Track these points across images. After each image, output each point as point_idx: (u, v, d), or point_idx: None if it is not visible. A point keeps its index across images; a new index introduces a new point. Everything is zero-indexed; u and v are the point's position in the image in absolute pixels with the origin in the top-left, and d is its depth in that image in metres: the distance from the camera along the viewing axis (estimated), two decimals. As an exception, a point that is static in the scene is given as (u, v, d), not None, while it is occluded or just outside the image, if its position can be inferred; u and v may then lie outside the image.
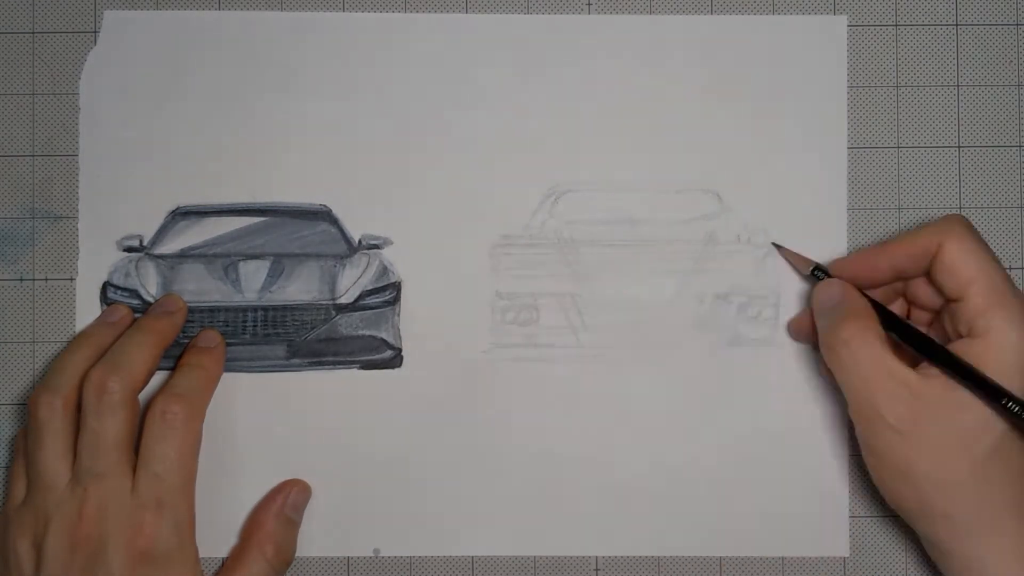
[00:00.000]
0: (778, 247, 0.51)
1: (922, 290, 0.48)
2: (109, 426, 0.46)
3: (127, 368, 0.47)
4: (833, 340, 0.46)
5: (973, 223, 0.46)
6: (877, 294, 0.48)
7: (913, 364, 0.45)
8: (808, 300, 0.50)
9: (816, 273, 0.49)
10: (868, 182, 0.52)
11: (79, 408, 0.47)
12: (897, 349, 0.46)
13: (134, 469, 0.47)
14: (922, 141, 0.52)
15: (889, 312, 0.47)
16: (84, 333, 0.50)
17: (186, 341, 0.51)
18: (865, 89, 0.52)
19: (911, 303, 0.49)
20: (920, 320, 0.49)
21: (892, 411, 0.44)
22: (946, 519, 0.45)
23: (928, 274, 0.47)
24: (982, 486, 0.44)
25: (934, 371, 0.45)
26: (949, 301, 0.46)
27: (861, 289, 0.48)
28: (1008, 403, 0.43)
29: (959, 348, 0.45)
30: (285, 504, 0.50)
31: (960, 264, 0.45)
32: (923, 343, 0.46)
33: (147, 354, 0.48)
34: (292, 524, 0.50)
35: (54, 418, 0.47)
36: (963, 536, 0.44)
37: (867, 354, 0.45)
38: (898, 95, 0.52)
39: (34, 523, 0.46)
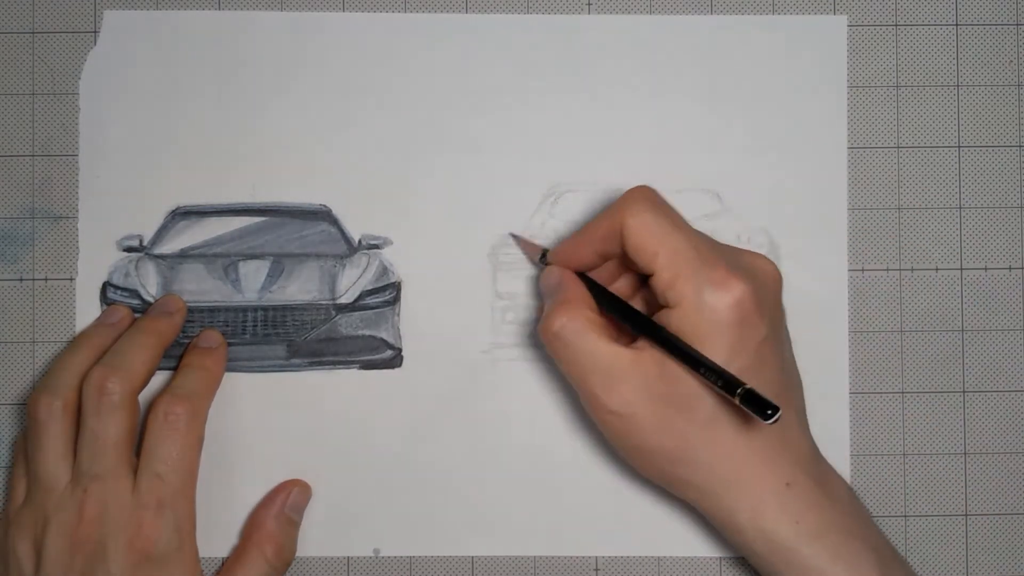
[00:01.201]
0: (513, 236, 0.51)
1: (632, 265, 0.47)
2: (109, 427, 0.46)
3: (127, 369, 0.47)
4: (547, 332, 0.46)
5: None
6: (604, 270, 0.48)
7: (635, 340, 0.45)
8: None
9: (543, 260, 0.49)
10: (868, 182, 0.52)
11: (79, 409, 0.47)
12: (619, 328, 0.46)
13: (134, 470, 0.47)
14: (922, 141, 0.52)
15: (603, 289, 0.47)
16: (83, 334, 0.50)
17: (186, 341, 0.51)
18: (865, 89, 0.52)
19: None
20: (646, 294, 0.48)
21: (609, 397, 0.44)
22: (689, 486, 0.45)
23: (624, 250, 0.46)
24: (713, 449, 0.44)
25: (647, 345, 0.44)
26: (647, 276, 0.45)
27: (584, 270, 0.48)
28: (704, 371, 0.42)
29: (662, 319, 0.44)
30: (285, 504, 0.50)
31: (642, 239, 0.44)
32: (635, 319, 0.45)
33: (147, 355, 0.48)
34: (292, 524, 0.50)
35: (53, 419, 0.47)
36: (709, 497, 0.45)
37: (579, 342, 0.45)
38: (898, 95, 0.52)
39: (34, 524, 0.46)
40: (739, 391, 0.41)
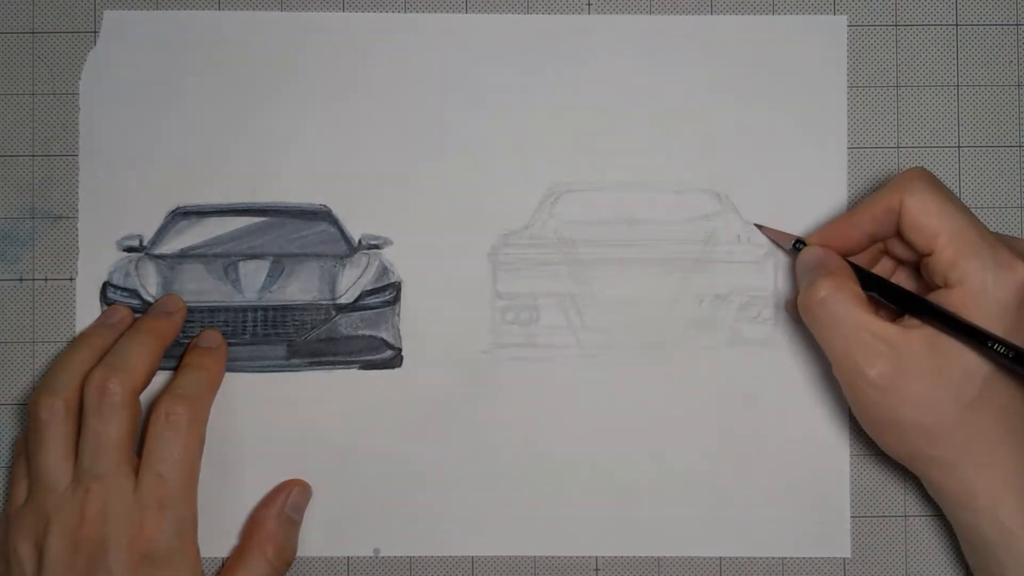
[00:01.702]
0: (759, 226, 0.51)
1: (899, 247, 0.48)
2: (111, 427, 0.46)
3: (128, 369, 0.47)
4: (810, 300, 0.46)
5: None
6: (862, 258, 0.49)
7: (896, 321, 0.46)
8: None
9: (797, 246, 0.49)
10: (868, 181, 0.52)
11: (80, 409, 0.47)
12: (880, 308, 0.46)
13: (135, 470, 0.47)
14: (922, 141, 0.52)
15: (867, 272, 0.48)
16: (84, 334, 0.50)
17: (186, 341, 0.51)
18: (865, 89, 0.52)
19: (896, 260, 0.49)
20: (904, 277, 0.49)
21: (873, 368, 0.45)
22: (935, 462, 0.45)
23: (899, 233, 0.47)
24: (970, 429, 0.45)
25: (915, 323, 0.45)
26: (922, 256, 0.46)
27: (845, 254, 0.48)
28: (994, 345, 0.43)
29: (939, 298, 0.45)
30: (286, 504, 0.50)
31: (923, 219, 0.45)
32: (904, 298, 0.46)
33: (147, 355, 0.48)
34: (293, 524, 0.50)
35: (55, 420, 0.47)
36: (954, 474, 0.45)
37: (843, 311, 0.45)
38: (898, 95, 0.52)
39: (35, 524, 0.46)
40: None
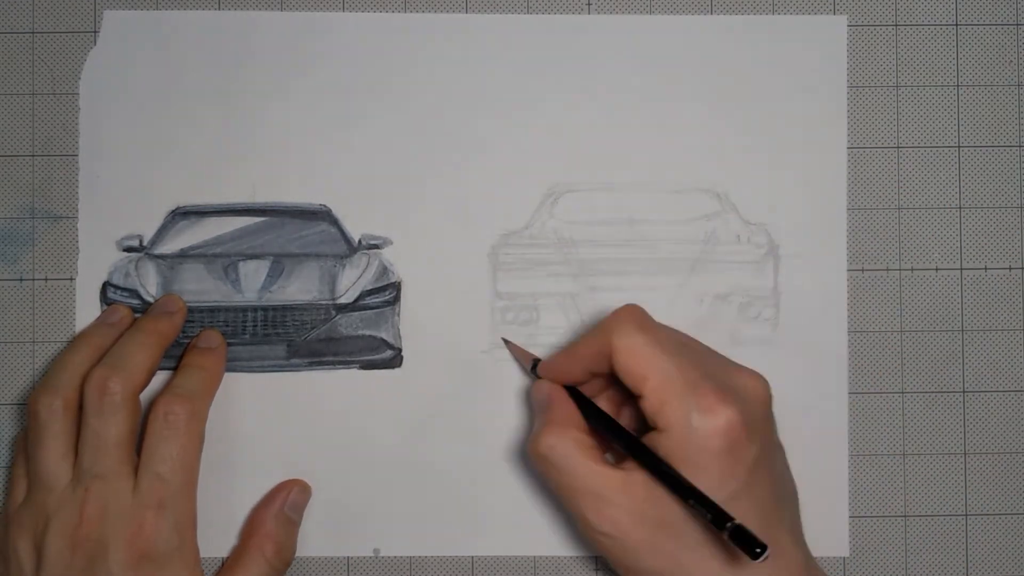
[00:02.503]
0: (506, 341, 0.51)
1: (620, 384, 0.46)
2: (110, 426, 0.46)
3: (128, 369, 0.47)
4: (536, 449, 0.45)
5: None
6: (596, 381, 0.48)
7: (625, 458, 0.45)
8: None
9: (534, 370, 0.49)
10: (868, 182, 0.52)
11: (79, 409, 0.47)
12: (609, 444, 0.46)
13: (135, 470, 0.47)
14: (922, 141, 0.52)
15: (593, 407, 0.47)
16: (84, 334, 0.50)
17: (186, 341, 0.51)
18: (865, 89, 0.52)
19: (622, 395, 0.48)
20: (632, 410, 0.48)
21: (599, 519, 0.44)
22: None
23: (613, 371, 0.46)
24: (702, 571, 0.43)
25: (637, 467, 0.44)
26: (636, 397, 0.45)
27: (573, 384, 0.47)
28: (692, 502, 0.42)
29: (652, 441, 0.44)
30: (285, 504, 0.50)
31: (630, 363, 0.44)
32: (625, 439, 0.45)
33: (148, 354, 0.48)
34: (292, 524, 0.50)
35: (54, 419, 0.47)
36: None
37: (567, 463, 0.44)
38: (898, 95, 0.52)
39: (34, 523, 0.46)
40: (728, 526, 0.41)
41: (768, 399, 0.46)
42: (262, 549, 0.49)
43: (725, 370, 0.46)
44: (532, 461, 0.46)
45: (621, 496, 0.44)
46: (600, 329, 0.46)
